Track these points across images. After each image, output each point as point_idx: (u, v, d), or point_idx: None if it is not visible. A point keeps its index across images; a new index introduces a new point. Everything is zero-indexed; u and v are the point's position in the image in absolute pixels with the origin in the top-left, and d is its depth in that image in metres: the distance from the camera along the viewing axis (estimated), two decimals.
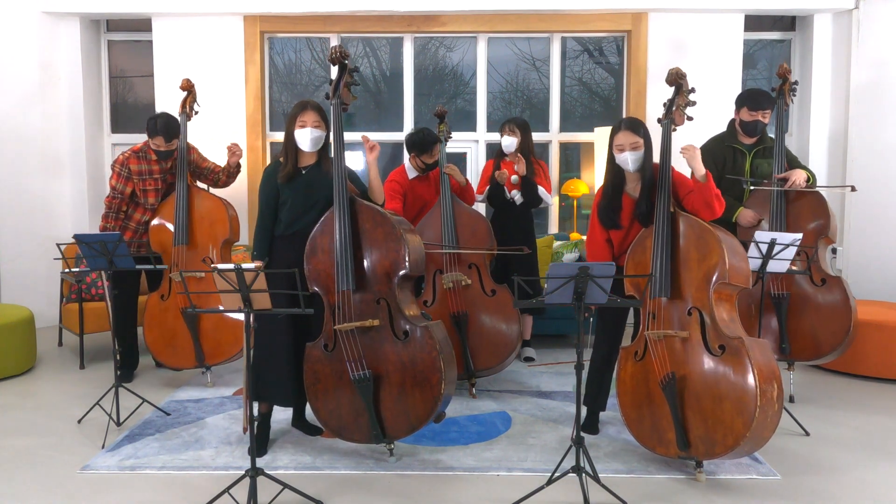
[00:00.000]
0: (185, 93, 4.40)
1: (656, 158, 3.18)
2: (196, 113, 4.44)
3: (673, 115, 3.15)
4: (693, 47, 5.69)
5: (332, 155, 3.19)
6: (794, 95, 4.15)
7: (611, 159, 3.22)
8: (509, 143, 4.38)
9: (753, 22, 5.87)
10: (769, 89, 4.08)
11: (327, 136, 3.23)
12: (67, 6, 5.57)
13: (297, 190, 3.19)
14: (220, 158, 5.51)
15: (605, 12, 5.70)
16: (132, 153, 4.22)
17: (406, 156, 4.31)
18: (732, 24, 5.69)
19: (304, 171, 3.22)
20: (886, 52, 5.50)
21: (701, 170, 3.04)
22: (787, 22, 6.02)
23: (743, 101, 3.99)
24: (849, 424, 3.57)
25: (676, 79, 3.15)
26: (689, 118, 3.16)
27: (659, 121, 3.21)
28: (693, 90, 3.17)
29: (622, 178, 3.23)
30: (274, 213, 3.23)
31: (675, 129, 3.15)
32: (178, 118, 4.27)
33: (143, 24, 5.89)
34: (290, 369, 3.16)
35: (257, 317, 3.12)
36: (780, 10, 5.73)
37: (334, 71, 3.24)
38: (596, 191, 3.39)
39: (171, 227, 4.19)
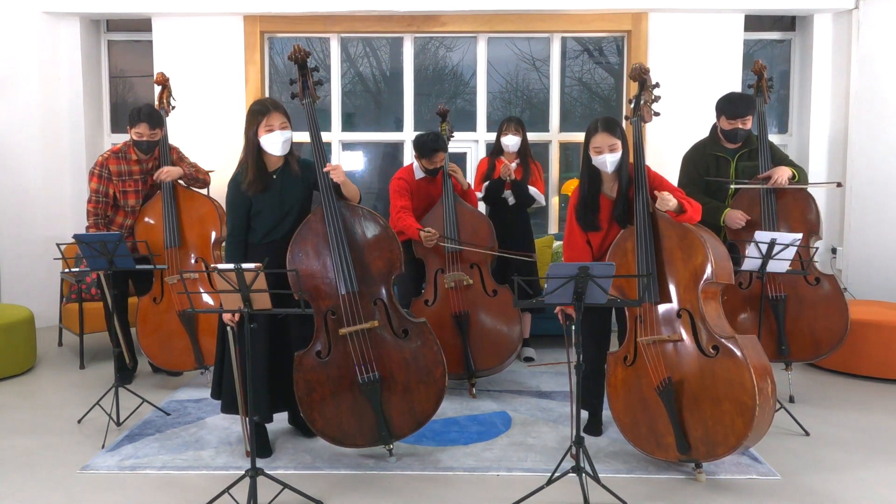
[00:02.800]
0: (161, 87, 4.30)
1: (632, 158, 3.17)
2: (173, 108, 4.37)
3: (641, 111, 3.14)
4: (693, 47, 5.68)
5: (314, 156, 3.10)
6: (772, 91, 4.08)
7: (587, 161, 3.16)
8: (515, 142, 4.45)
9: (753, 22, 5.87)
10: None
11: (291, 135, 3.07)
12: (67, 6, 5.57)
13: (270, 198, 3.06)
14: (218, 159, 5.53)
15: (605, 12, 5.69)
16: (111, 154, 4.11)
17: (409, 152, 4.32)
18: (732, 24, 5.68)
19: (274, 176, 3.09)
20: (887, 53, 5.50)
21: (672, 207, 2.97)
22: (787, 22, 6.01)
23: (721, 109, 3.86)
24: (849, 424, 3.57)
25: (640, 74, 3.15)
26: (656, 114, 3.15)
27: (627, 118, 3.21)
28: (657, 85, 3.16)
29: (599, 179, 3.19)
30: (247, 224, 3.09)
31: (643, 125, 3.16)
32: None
33: (143, 24, 5.89)
34: (265, 381, 3.07)
35: (240, 326, 2.91)
36: (780, 10, 5.73)
37: (295, 71, 3.20)
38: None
39: (153, 222, 4.12)
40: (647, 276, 2.95)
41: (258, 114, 3.00)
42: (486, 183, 4.48)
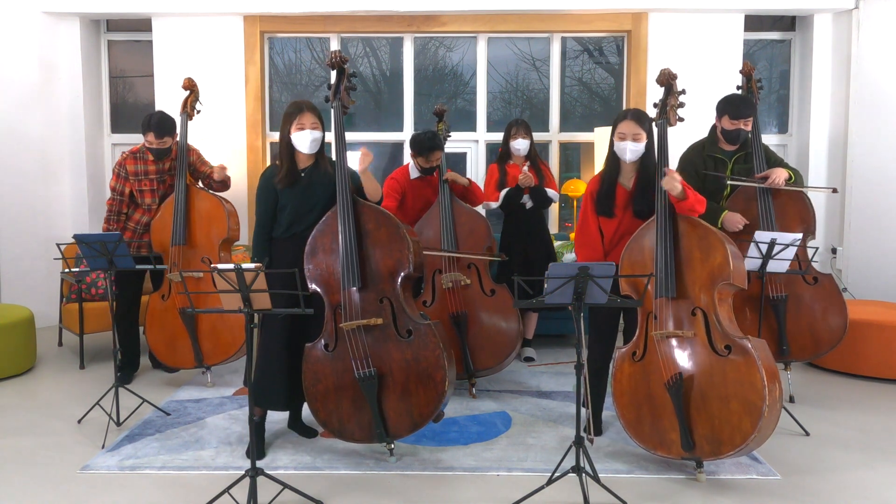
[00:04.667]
0: (188, 92, 4.40)
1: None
2: (198, 112, 4.45)
3: (668, 114, 3.17)
4: (693, 47, 5.68)
5: (335, 157, 3.18)
6: (762, 91, 4.08)
7: (612, 147, 3.23)
8: (525, 146, 4.45)
9: (753, 22, 5.87)
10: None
11: (324, 137, 3.21)
12: (67, 6, 5.57)
13: (296, 193, 3.18)
14: (219, 159, 5.53)
15: (605, 12, 5.69)
16: (130, 154, 4.24)
17: (408, 152, 4.32)
18: (732, 24, 5.69)
19: (302, 174, 3.21)
20: (886, 52, 5.50)
21: (677, 191, 2.99)
22: (787, 22, 6.01)
23: (724, 109, 3.84)
24: (849, 424, 3.57)
25: (667, 79, 3.17)
26: (681, 119, 3.18)
27: (653, 121, 3.22)
28: (683, 91, 3.17)
29: (618, 167, 3.24)
30: (273, 218, 3.22)
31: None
32: (179, 117, 4.27)
33: (143, 24, 5.89)
34: (283, 372, 3.14)
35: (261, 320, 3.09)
36: (780, 10, 5.73)
37: (333, 74, 3.25)
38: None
39: (165, 220, 4.18)
40: (649, 276, 2.96)
41: (292, 113, 3.15)
42: (505, 191, 4.43)
